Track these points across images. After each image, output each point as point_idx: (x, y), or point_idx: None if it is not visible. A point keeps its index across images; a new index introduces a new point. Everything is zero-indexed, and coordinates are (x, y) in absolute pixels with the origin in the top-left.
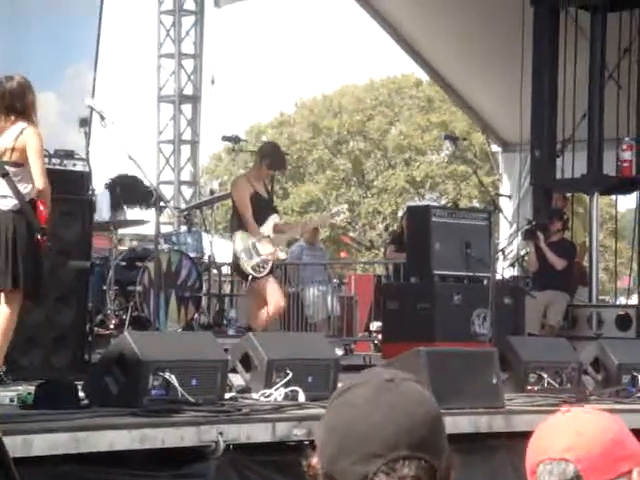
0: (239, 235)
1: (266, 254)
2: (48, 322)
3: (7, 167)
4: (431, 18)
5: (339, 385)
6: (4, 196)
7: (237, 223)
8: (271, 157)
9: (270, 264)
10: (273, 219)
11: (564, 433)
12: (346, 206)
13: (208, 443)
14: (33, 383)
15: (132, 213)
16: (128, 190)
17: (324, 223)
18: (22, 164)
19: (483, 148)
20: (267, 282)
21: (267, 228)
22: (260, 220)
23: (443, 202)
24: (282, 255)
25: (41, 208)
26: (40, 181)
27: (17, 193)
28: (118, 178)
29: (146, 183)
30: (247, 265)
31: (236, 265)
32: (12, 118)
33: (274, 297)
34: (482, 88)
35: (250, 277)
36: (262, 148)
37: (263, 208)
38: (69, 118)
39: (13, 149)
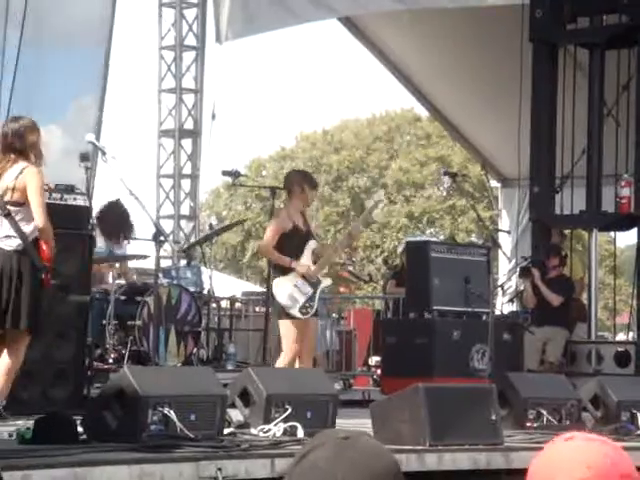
0: (277, 283)
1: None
2: (47, 357)
3: (9, 207)
4: (431, 55)
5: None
6: (8, 236)
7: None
8: (307, 178)
9: (316, 300)
10: (310, 247)
11: (572, 465)
12: (383, 191)
13: (207, 479)
14: (32, 418)
15: (131, 247)
16: (114, 222)
17: (363, 224)
18: (23, 203)
19: (481, 180)
20: (297, 326)
21: (306, 259)
22: (298, 252)
23: (441, 237)
24: (326, 282)
25: (44, 247)
26: (41, 219)
27: (20, 233)
28: (105, 209)
29: (131, 215)
30: (295, 312)
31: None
32: (12, 157)
33: (292, 343)
34: (481, 124)
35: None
36: (295, 177)
37: (302, 241)
38: (73, 152)
39: (14, 189)
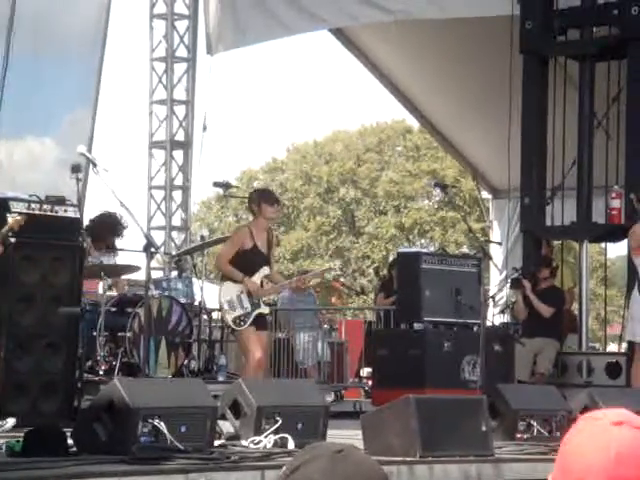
0: (225, 285)
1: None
2: (37, 368)
3: None
4: (421, 66)
5: (296, 456)
6: None
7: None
8: (264, 195)
9: (251, 318)
10: (263, 272)
11: (617, 457)
12: (339, 263)
13: None
14: (22, 430)
15: (122, 258)
16: (106, 228)
17: (310, 280)
18: None
19: (472, 194)
20: (248, 335)
21: (255, 281)
22: (250, 272)
23: (431, 249)
24: (265, 310)
25: None
26: None
27: None
28: (96, 219)
29: (121, 219)
30: (228, 317)
31: (222, 315)
32: None
33: (251, 351)
34: (473, 135)
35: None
36: (253, 195)
37: (257, 262)
38: (66, 164)
39: None
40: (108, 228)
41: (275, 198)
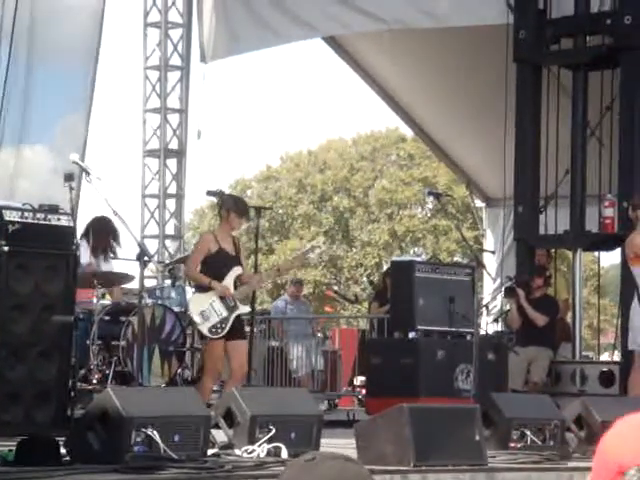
0: (195, 297)
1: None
2: (30, 377)
3: None
4: (416, 75)
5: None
6: None
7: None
8: (237, 205)
9: (229, 323)
10: (235, 272)
11: None
12: (322, 239)
13: None
14: (14, 439)
15: (117, 267)
16: (101, 232)
17: (293, 265)
18: None
19: (465, 201)
20: (212, 350)
21: (228, 283)
22: (220, 276)
23: (423, 257)
24: (244, 309)
25: None
26: None
27: None
28: (91, 223)
29: (116, 225)
30: (204, 328)
31: (195, 327)
32: None
33: (208, 368)
34: (466, 144)
35: (207, 338)
36: (228, 201)
37: (227, 265)
38: (60, 172)
39: None
40: (108, 231)
41: (246, 212)
